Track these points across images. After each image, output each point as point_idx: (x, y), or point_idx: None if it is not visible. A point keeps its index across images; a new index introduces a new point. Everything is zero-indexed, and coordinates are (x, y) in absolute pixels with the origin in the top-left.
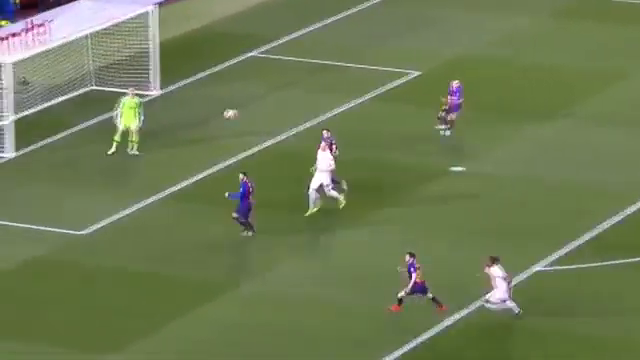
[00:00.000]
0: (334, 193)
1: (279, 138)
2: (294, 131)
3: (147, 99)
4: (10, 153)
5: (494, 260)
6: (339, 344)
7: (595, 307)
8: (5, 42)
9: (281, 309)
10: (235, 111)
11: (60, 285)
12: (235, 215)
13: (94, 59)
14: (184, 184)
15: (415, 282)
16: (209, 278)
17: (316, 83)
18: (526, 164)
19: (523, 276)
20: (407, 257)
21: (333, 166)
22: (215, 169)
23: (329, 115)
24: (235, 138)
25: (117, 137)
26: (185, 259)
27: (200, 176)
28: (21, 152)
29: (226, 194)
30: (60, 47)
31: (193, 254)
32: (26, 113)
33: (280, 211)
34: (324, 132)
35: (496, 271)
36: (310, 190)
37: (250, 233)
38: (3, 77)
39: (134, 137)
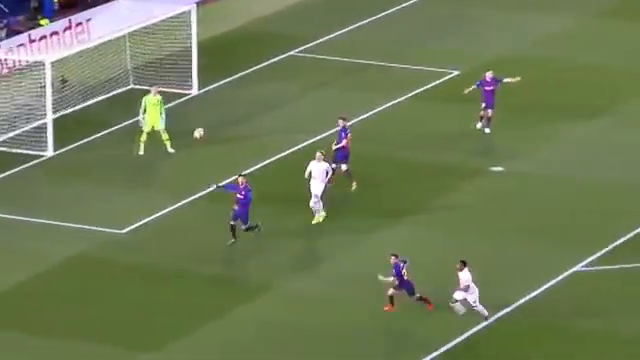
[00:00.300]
0: (319, 206)
1: (316, 137)
2: (331, 130)
3: (185, 98)
4: (49, 152)
5: (464, 264)
6: (376, 345)
7: (635, 308)
8: (45, 41)
9: (316, 309)
10: (201, 131)
11: (99, 283)
12: (243, 228)
13: (133, 58)
14: (221, 183)
15: (403, 279)
16: (246, 278)
17: (354, 83)
18: (566, 164)
19: (562, 276)
20: (392, 258)
21: (330, 175)
22: (252, 169)
23: (367, 115)
24: (272, 138)
25: (143, 137)
26: (222, 259)
27: (235, 176)
28: (60, 151)
29: (219, 185)
30: (99, 46)
31: (230, 254)
32: (65, 112)
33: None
34: (340, 121)
35: (465, 275)
36: (312, 201)
37: (259, 230)
38: (42, 76)
39: (164, 135)
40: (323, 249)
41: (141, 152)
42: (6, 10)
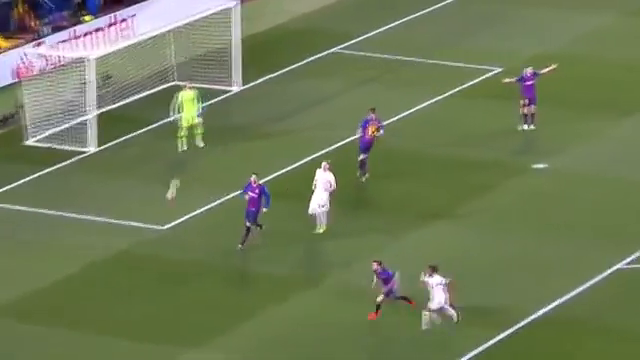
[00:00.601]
0: (324, 217)
1: (358, 134)
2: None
3: (227, 95)
4: (92, 148)
5: (434, 269)
6: (419, 343)
7: None
8: (88, 37)
9: (360, 305)
10: (174, 192)
11: (141, 280)
12: (257, 224)
13: (176, 54)
14: (262, 180)
15: (392, 284)
16: (288, 274)
17: (395, 79)
18: (610, 162)
19: (605, 274)
20: (374, 265)
21: (334, 186)
22: (293, 165)
23: (408, 112)
24: (313, 134)
25: (183, 133)
26: (263, 255)
27: (278, 172)
28: (102, 147)
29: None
30: (143, 42)
31: (272, 250)
32: (108, 108)
33: (359, 207)
34: (370, 114)
35: (436, 279)
36: (311, 210)
37: (260, 228)
38: (87, 72)
39: (198, 129)
40: (362, 247)
41: (184, 148)
42: (51, 6)
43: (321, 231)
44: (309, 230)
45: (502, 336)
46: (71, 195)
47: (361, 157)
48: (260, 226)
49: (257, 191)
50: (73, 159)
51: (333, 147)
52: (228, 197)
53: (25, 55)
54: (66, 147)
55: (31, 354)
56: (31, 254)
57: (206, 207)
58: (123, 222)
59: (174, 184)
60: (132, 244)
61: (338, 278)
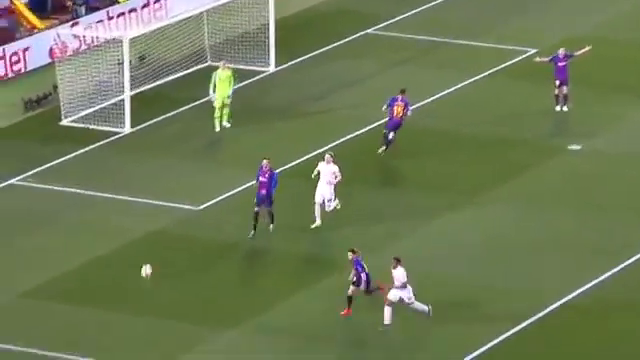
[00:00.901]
0: (332, 207)
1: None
2: (409, 108)
3: (262, 75)
4: (126, 128)
5: (398, 261)
6: (466, 321)
7: None
8: (123, 18)
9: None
10: (148, 270)
11: (175, 259)
12: (257, 209)
13: (210, 35)
14: (297, 161)
15: (360, 276)
16: (325, 254)
17: (429, 60)
18: None
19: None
20: (349, 255)
21: (339, 178)
22: (326, 147)
23: (442, 93)
24: (347, 115)
25: (217, 113)
26: (299, 235)
27: (313, 153)
28: (137, 128)
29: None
30: (177, 23)
31: (305, 230)
32: (143, 89)
33: (398, 187)
34: (399, 94)
35: (399, 272)
36: (318, 200)
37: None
38: (121, 53)
39: (226, 109)
40: (400, 227)
41: (217, 129)
42: None
43: (317, 225)
44: (342, 210)
45: (537, 317)
46: (106, 175)
47: (390, 135)
48: (272, 218)
49: (267, 175)
50: (108, 139)
51: (366, 128)
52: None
53: (59, 36)
54: (101, 127)
55: (67, 334)
56: (66, 234)
57: (240, 187)
58: (158, 202)
59: (145, 268)
60: (167, 224)
61: (370, 260)
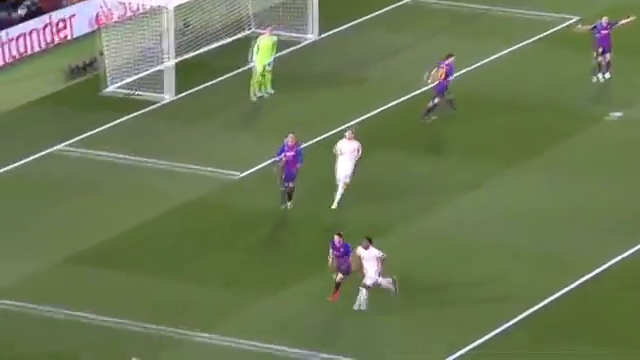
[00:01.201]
0: (342, 189)
1: (432, 85)
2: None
3: (304, 44)
4: (170, 95)
5: (370, 241)
6: (503, 287)
7: None
8: None
9: (443, 250)
10: None
11: (216, 226)
12: (292, 185)
13: (254, 3)
14: (339, 129)
15: (346, 260)
16: (365, 221)
17: (469, 30)
18: None
19: None
20: (336, 238)
21: (360, 154)
22: (365, 116)
23: (482, 62)
24: (386, 84)
25: (256, 79)
26: (342, 201)
27: (353, 121)
28: (180, 95)
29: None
30: None
31: (348, 196)
32: (186, 56)
33: (437, 155)
34: (446, 59)
35: (372, 252)
36: (339, 177)
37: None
38: (165, 21)
39: (269, 75)
40: (439, 195)
41: (257, 95)
42: None
43: (335, 206)
44: (388, 178)
45: (577, 284)
46: (149, 142)
47: (435, 100)
48: (290, 197)
49: (294, 150)
50: (151, 106)
51: (406, 97)
52: (303, 145)
53: (105, 3)
54: (144, 94)
55: (109, 298)
56: (108, 200)
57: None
58: (200, 169)
59: None
60: (208, 191)
61: (417, 226)
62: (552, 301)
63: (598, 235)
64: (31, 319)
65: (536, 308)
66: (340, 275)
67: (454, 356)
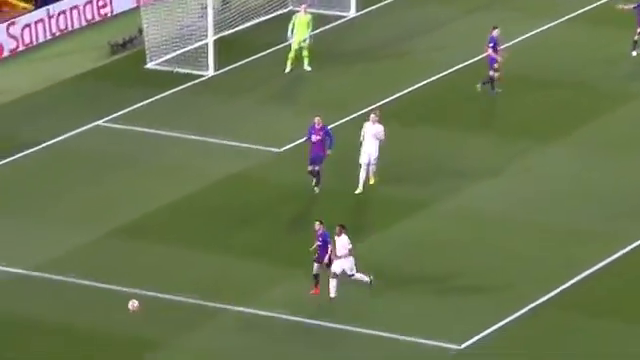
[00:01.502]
0: (371, 171)
1: (474, 58)
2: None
3: (343, 20)
4: (210, 72)
5: (343, 228)
6: (534, 263)
7: None
8: None
9: (476, 226)
10: (135, 304)
11: (255, 201)
12: (317, 168)
13: None
14: (378, 103)
15: (326, 249)
16: (406, 195)
17: (512, 4)
18: None
19: None
20: (317, 225)
21: (383, 138)
22: (406, 90)
23: (523, 37)
24: (429, 58)
25: (292, 54)
26: (382, 177)
27: (392, 96)
28: (220, 71)
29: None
30: None
31: (392, 170)
32: (225, 33)
33: (474, 131)
34: (494, 31)
35: (343, 240)
36: (363, 160)
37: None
38: None
39: (306, 52)
40: (474, 170)
41: (288, 69)
42: None
43: (372, 182)
44: (424, 153)
45: (604, 262)
46: (189, 117)
47: (494, 73)
48: (318, 180)
49: (321, 133)
50: (191, 82)
51: (447, 72)
52: (340, 121)
53: None
54: (184, 70)
55: (150, 271)
56: (150, 175)
57: None
58: (240, 144)
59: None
60: (247, 166)
61: (451, 202)
62: (583, 278)
63: (629, 213)
64: (73, 291)
65: (567, 285)
66: (316, 265)
67: (495, 326)
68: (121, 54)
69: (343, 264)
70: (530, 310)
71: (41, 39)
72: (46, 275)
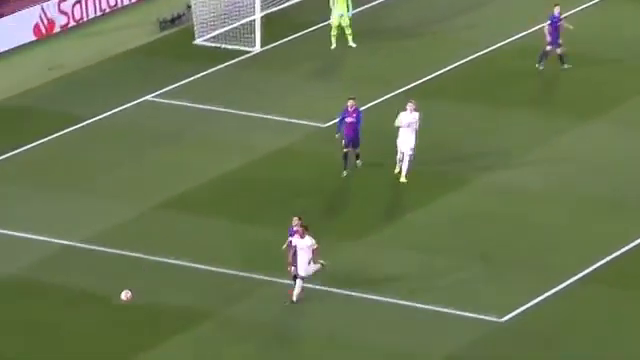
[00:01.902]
0: (406, 165)
1: (513, 37)
2: (528, 30)
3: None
4: (257, 47)
5: (306, 229)
6: (580, 235)
7: None
8: None
9: (518, 201)
10: (129, 294)
11: (301, 175)
12: (353, 149)
13: None
14: (419, 81)
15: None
16: (444, 171)
17: None
18: None
19: None
20: (295, 220)
21: (419, 125)
22: (447, 68)
23: (568, 13)
24: (469, 37)
25: (334, 31)
26: (419, 155)
27: (432, 74)
28: (267, 47)
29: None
30: None
31: (427, 149)
32: (273, 10)
33: (511, 108)
34: (556, 9)
35: (307, 241)
36: (399, 153)
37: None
38: None
39: (347, 30)
40: (514, 146)
41: (333, 46)
42: None
43: (405, 179)
44: (471, 126)
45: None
46: (236, 93)
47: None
48: (357, 156)
49: (355, 115)
50: (239, 58)
51: (489, 48)
52: (385, 96)
53: None
54: (233, 46)
55: (196, 244)
56: (197, 149)
57: (364, 107)
58: (286, 119)
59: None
60: (293, 140)
61: (492, 177)
62: (624, 252)
63: None
64: (120, 264)
65: (609, 259)
66: (293, 267)
67: (535, 300)
68: (169, 30)
69: (310, 266)
70: (571, 284)
71: (91, 15)
72: (94, 247)
